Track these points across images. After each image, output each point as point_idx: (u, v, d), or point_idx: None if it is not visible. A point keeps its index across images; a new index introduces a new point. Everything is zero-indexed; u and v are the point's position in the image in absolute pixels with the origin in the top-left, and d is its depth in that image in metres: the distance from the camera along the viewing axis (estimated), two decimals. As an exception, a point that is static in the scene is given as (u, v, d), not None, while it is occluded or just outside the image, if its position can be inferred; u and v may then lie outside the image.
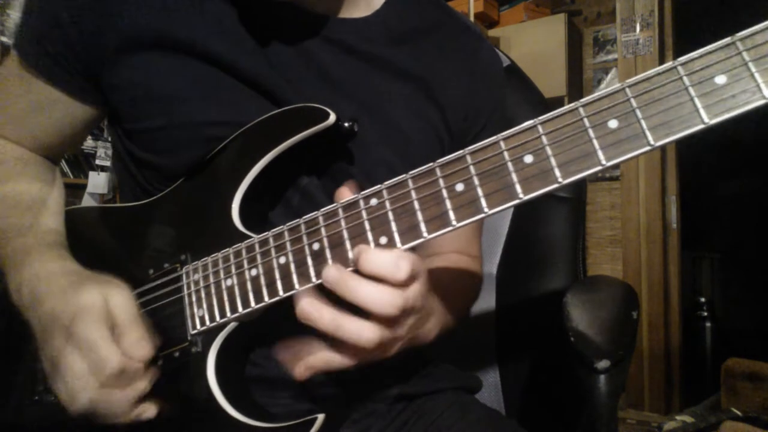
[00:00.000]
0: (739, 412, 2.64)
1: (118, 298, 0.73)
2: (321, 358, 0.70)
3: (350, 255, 0.66)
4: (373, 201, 0.65)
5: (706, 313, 4.22)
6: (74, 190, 4.06)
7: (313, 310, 0.67)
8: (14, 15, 3.60)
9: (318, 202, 0.88)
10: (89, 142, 4.24)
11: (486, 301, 1.39)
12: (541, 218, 1.42)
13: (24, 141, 0.96)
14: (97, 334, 0.69)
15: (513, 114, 1.20)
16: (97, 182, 4.11)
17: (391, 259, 0.63)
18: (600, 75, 3.97)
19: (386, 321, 0.66)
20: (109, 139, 4.35)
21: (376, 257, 0.63)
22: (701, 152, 4.34)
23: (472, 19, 3.68)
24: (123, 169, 0.97)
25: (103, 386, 0.68)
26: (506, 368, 1.36)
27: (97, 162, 4.24)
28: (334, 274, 0.65)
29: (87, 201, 3.97)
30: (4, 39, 3.57)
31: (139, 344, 0.72)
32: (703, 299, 4.29)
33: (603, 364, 1.04)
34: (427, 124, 0.94)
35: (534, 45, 3.79)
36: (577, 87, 3.93)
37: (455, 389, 1.04)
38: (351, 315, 0.65)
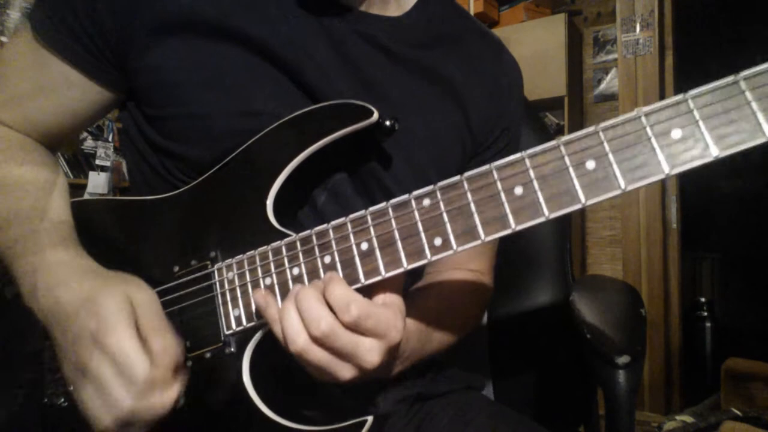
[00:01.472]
0: (739, 412, 2.65)
1: (143, 299, 0.71)
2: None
3: (402, 255, 0.65)
4: (426, 201, 0.64)
5: (706, 313, 4.22)
6: (74, 190, 4.00)
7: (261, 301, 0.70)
8: (14, 15, 3.59)
9: (346, 200, 0.88)
10: (89, 142, 4.23)
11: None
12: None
13: (24, 126, 0.92)
14: (128, 343, 0.67)
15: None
16: (97, 182, 4.10)
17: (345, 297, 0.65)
18: (600, 75, 3.96)
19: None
20: (110, 139, 4.35)
21: (338, 290, 0.65)
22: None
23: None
24: (138, 158, 0.95)
25: (137, 396, 0.66)
26: (499, 371, 1.37)
27: (97, 162, 4.23)
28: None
29: (87, 200, 3.94)
30: (4, 39, 3.55)
31: (169, 349, 0.69)
32: (703, 299, 4.29)
33: (624, 359, 1.05)
34: (452, 126, 0.95)
35: (534, 45, 3.78)
36: (577, 87, 3.93)
37: (464, 389, 1.05)
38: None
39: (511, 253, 1.39)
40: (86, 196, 3.23)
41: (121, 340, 0.66)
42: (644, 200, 3.67)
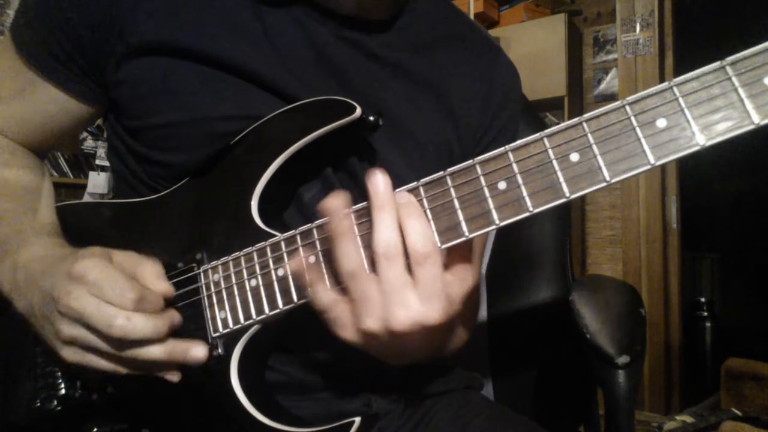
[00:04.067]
0: (739, 412, 2.65)
1: (119, 252, 0.72)
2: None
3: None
4: None
5: (706, 313, 4.23)
6: (74, 190, 4.05)
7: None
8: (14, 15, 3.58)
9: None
10: (89, 142, 4.23)
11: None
12: (529, 216, 1.39)
13: (9, 129, 0.92)
14: (106, 269, 0.66)
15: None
16: (97, 182, 4.10)
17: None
18: (600, 75, 3.96)
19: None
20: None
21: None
22: (701, 152, 4.35)
23: (471, 18, 3.66)
24: (123, 168, 0.94)
25: (127, 315, 0.65)
26: (499, 370, 1.37)
27: (97, 162, 4.22)
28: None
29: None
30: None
31: (155, 272, 0.71)
32: (703, 299, 4.30)
33: (623, 359, 1.05)
34: (441, 135, 0.92)
35: (534, 45, 3.77)
36: (577, 87, 3.93)
37: (463, 389, 1.04)
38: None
39: (512, 253, 1.38)
40: (86, 196, 3.22)
41: (96, 265, 0.66)
42: (644, 200, 3.67)
